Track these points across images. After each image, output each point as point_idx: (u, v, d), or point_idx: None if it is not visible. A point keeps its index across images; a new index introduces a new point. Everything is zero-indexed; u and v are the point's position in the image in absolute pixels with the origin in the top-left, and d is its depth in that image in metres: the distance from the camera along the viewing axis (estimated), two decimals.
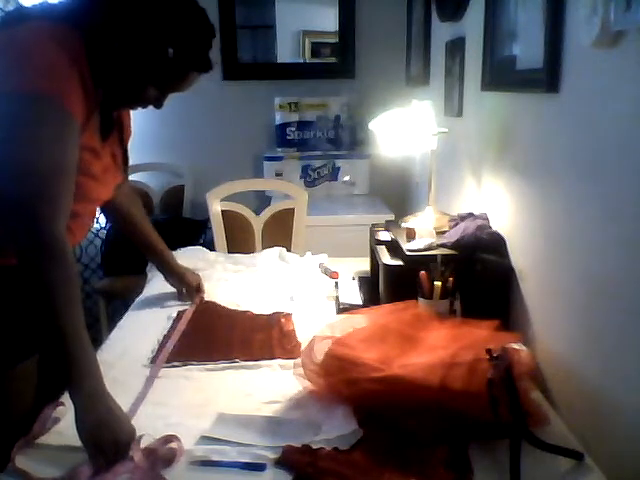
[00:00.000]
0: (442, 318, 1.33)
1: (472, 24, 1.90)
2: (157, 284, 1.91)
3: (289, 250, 2.25)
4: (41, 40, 1.06)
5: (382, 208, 2.89)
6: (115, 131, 1.29)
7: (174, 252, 2.11)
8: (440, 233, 1.64)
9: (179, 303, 1.73)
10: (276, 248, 2.17)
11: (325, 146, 3.22)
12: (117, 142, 1.32)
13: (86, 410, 0.99)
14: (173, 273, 1.74)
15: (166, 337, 1.49)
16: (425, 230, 1.63)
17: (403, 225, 1.74)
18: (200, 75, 1.22)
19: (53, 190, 1.04)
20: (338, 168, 3.17)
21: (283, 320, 1.59)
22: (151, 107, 1.25)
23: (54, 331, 1.01)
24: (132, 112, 1.42)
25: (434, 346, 1.18)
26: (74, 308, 1.03)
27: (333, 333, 1.27)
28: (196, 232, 3.07)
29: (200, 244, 2.45)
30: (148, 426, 1.06)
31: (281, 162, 3.15)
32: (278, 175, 3.12)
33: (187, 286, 1.74)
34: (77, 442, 0.99)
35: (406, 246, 1.56)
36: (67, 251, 1.05)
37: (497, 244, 1.53)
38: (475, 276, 1.47)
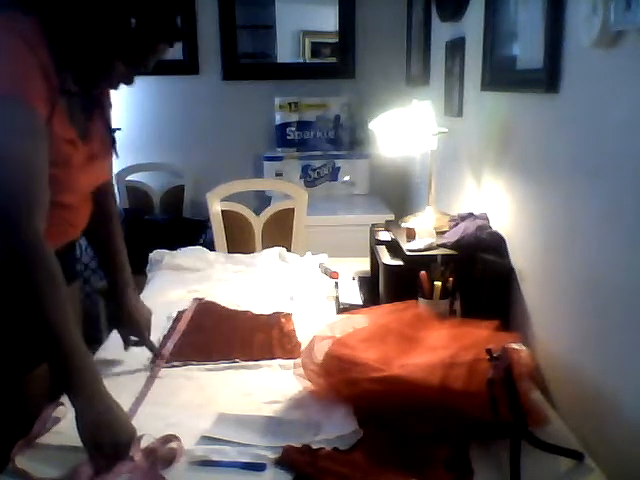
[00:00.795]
0: (442, 318, 1.33)
1: (472, 24, 1.90)
2: (157, 284, 1.91)
3: (289, 250, 2.26)
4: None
5: (382, 208, 2.89)
6: (98, 113, 1.23)
7: (174, 252, 2.12)
8: (440, 233, 1.64)
9: (179, 303, 1.72)
10: (276, 248, 2.17)
11: (325, 146, 3.22)
12: (102, 123, 1.26)
13: (85, 411, 0.98)
14: (124, 304, 1.37)
15: (166, 337, 1.49)
16: (425, 230, 1.63)
17: (403, 225, 1.74)
18: (169, 45, 1.14)
19: (26, 190, 1.01)
20: (338, 168, 3.17)
21: (283, 320, 1.59)
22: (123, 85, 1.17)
23: (46, 334, 0.99)
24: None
25: (434, 346, 1.18)
26: (62, 308, 1.00)
27: (333, 333, 1.27)
28: (196, 232, 3.07)
29: (200, 244, 2.45)
30: (148, 426, 1.06)
31: (281, 162, 3.15)
32: (278, 175, 3.12)
33: (133, 331, 1.39)
34: (77, 442, 0.98)
35: (406, 246, 1.56)
36: (46, 250, 1.01)
37: (497, 244, 1.53)
38: (475, 276, 1.47)
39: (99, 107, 1.24)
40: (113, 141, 1.29)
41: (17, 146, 1.00)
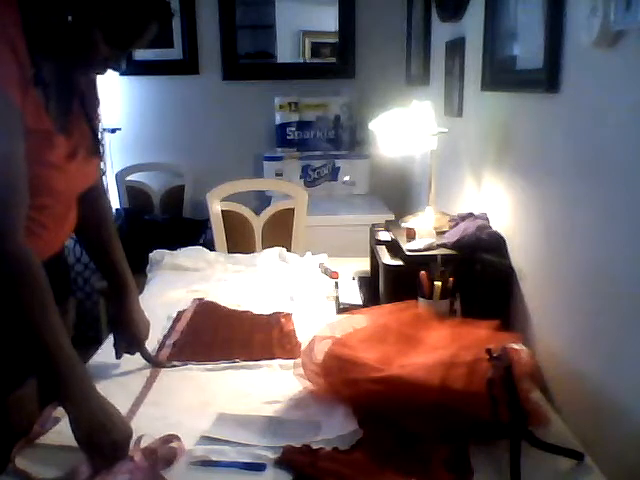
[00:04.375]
0: (442, 318, 1.33)
1: (472, 24, 1.90)
2: (157, 284, 1.91)
3: (289, 250, 2.26)
4: None
5: (382, 208, 2.89)
6: (78, 108, 1.12)
7: (174, 252, 2.12)
8: (440, 233, 1.64)
9: (179, 303, 1.72)
10: (276, 248, 2.17)
11: (325, 146, 3.22)
12: (83, 121, 1.13)
13: (79, 414, 0.96)
14: (125, 309, 1.32)
15: (166, 337, 1.49)
16: (425, 230, 1.63)
17: (403, 225, 1.74)
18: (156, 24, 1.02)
19: (10, 193, 0.92)
20: (338, 168, 3.17)
21: (283, 320, 1.59)
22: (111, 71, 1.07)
23: (35, 344, 0.95)
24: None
25: (434, 346, 1.18)
26: (50, 317, 0.96)
27: (333, 333, 1.26)
28: (196, 232, 3.07)
29: (200, 244, 2.45)
30: (148, 426, 1.06)
31: (281, 162, 3.15)
32: (278, 175, 3.13)
33: (133, 336, 1.33)
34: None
35: (406, 246, 1.56)
36: (32, 261, 0.95)
37: (497, 244, 1.53)
38: (475, 276, 1.47)
39: (79, 99, 1.12)
40: (96, 138, 1.17)
41: (6, 147, 0.92)
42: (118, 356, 1.33)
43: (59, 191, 1.09)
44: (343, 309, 1.63)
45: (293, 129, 3.21)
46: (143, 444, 1.00)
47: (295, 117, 3.20)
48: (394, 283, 1.52)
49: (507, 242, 1.53)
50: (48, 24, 0.97)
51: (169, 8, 1.04)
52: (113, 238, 1.32)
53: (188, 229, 3.12)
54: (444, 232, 1.64)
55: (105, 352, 1.41)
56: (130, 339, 1.33)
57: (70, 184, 1.12)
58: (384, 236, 1.72)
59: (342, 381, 1.14)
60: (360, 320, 1.33)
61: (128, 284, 1.32)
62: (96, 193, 1.29)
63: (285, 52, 3.41)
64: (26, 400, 1.17)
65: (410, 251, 1.54)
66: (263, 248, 2.30)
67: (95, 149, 1.17)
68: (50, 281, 0.98)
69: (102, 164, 1.29)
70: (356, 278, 1.84)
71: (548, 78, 1.25)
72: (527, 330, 1.39)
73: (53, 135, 1.03)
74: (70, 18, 0.96)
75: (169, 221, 3.20)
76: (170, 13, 1.05)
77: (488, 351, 1.02)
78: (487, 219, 1.63)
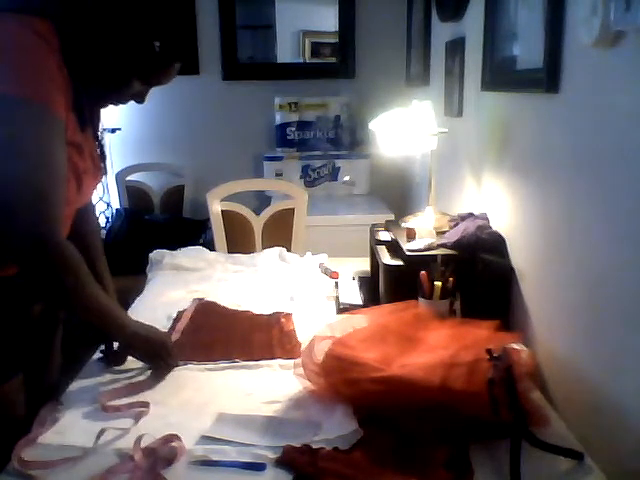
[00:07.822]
0: (442, 318, 1.33)
1: (472, 24, 1.90)
2: (157, 284, 1.91)
3: (289, 250, 2.25)
4: (25, 36, 1.01)
5: (382, 208, 2.89)
6: (90, 127, 1.21)
7: (174, 252, 2.12)
8: (440, 233, 1.64)
9: (179, 303, 1.72)
10: (276, 248, 2.17)
11: (325, 146, 3.22)
12: (92, 139, 1.24)
13: (133, 339, 1.24)
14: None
15: None
16: (425, 230, 1.63)
17: (403, 225, 1.74)
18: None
19: (51, 195, 1.03)
20: (338, 168, 3.17)
21: (283, 320, 1.59)
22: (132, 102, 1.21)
23: (85, 312, 1.16)
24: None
25: (434, 346, 1.18)
26: (90, 290, 1.13)
27: (333, 333, 1.27)
28: (196, 232, 3.07)
29: (200, 244, 2.45)
30: (148, 426, 1.06)
31: (281, 162, 3.15)
32: (278, 175, 3.13)
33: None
34: (77, 441, 0.99)
35: (406, 246, 1.56)
36: (74, 253, 1.08)
37: (497, 244, 1.53)
38: (475, 276, 1.47)
39: (91, 121, 1.22)
40: (102, 155, 1.28)
41: (42, 152, 1.02)
42: (108, 366, 1.34)
43: (70, 202, 1.16)
44: (343, 309, 1.63)
45: (293, 129, 3.21)
46: (143, 444, 1.00)
47: (295, 117, 3.20)
48: (394, 283, 1.52)
49: (507, 242, 1.53)
50: (90, 60, 1.09)
51: (184, 49, 1.23)
52: (99, 250, 1.43)
53: (188, 229, 3.12)
54: (444, 232, 1.65)
55: None
56: (120, 345, 1.36)
57: (79, 198, 1.21)
58: (384, 236, 1.72)
59: (342, 381, 1.14)
60: (360, 320, 1.33)
61: (110, 291, 1.43)
62: (89, 207, 1.41)
63: (285, 52, 3.41)
64: (13, 394, 1.20)
65: (410, 251, 1.54)
66: (263, 248, 2.29)
67: (100, 167, 1.27)
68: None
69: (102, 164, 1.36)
70: (356, 278, 1.84)
71: (548, 78, 1.25)
72: (527, 330, 1.39)
73: (83, 148, 1.15)
74: (111, 59, 1.09)
75: (169, 221, 3.20)
76: (185, 54, 1.20)
77: (488, 351, 1.02)
78: (487, 219, 1.63)
